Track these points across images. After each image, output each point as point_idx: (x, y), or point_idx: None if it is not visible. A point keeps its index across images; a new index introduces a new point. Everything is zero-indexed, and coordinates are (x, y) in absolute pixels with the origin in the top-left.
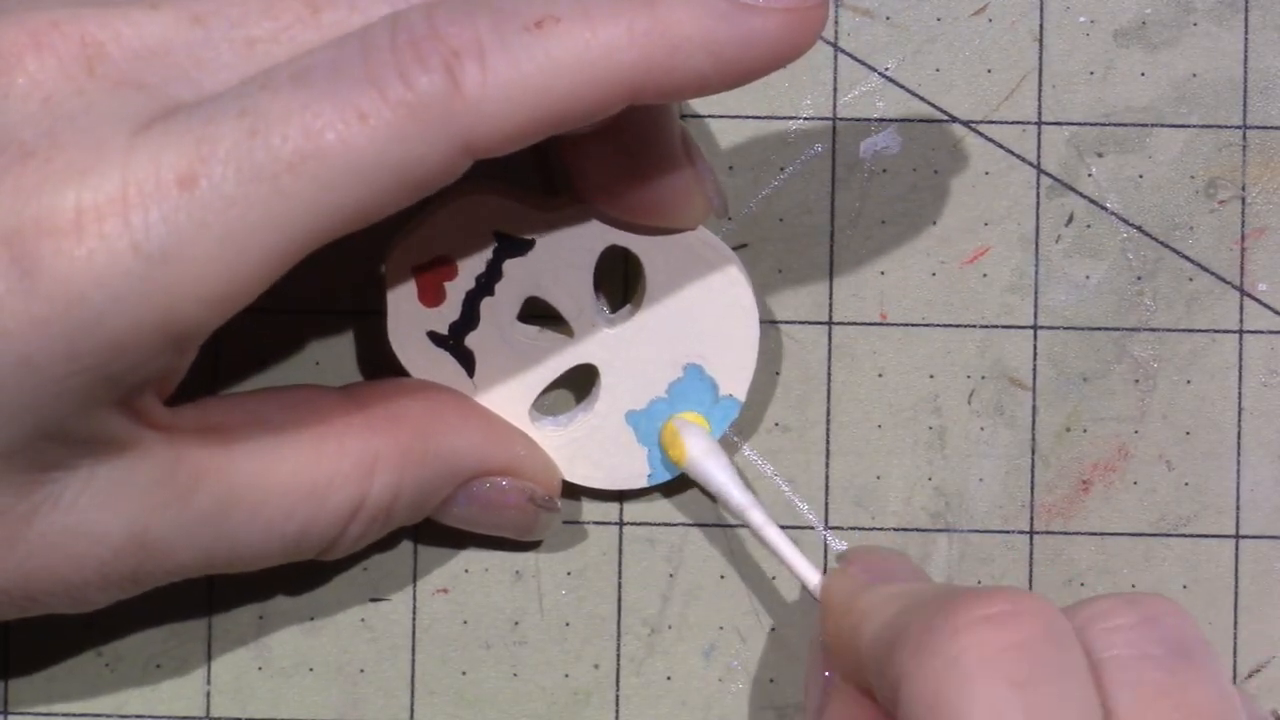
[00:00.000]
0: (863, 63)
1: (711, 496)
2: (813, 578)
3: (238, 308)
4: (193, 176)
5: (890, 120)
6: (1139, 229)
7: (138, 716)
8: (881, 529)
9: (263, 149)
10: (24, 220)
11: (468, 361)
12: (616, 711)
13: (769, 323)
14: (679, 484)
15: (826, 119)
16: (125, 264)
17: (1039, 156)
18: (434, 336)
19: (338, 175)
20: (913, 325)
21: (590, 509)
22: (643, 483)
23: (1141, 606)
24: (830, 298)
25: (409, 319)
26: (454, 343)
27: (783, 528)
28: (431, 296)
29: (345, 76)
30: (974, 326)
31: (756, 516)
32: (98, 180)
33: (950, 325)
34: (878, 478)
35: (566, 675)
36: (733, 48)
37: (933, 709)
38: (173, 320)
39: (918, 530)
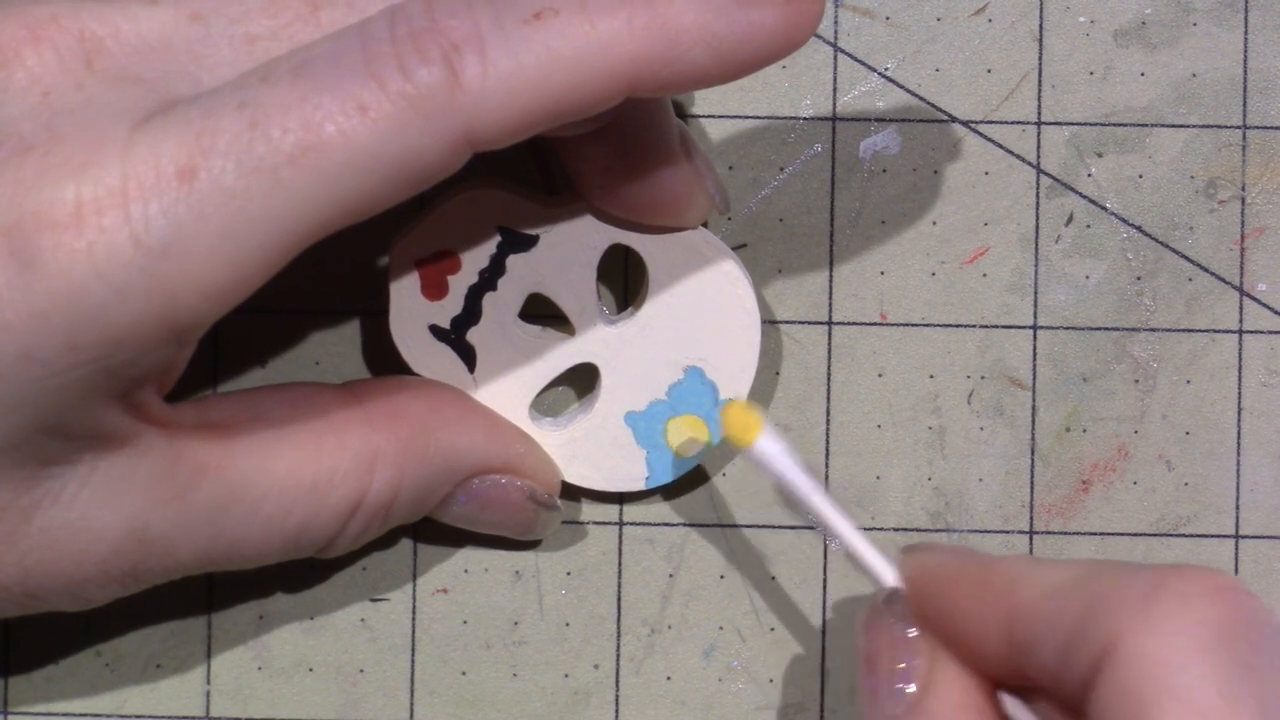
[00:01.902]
0: (863, 63)
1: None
2: (885, 571)
3: (238, 300)
4: (192, 169)
5: (890, 120)
6: (1139, 229)
7: (137, 716)
8: (881, 529)
9: (262, 141)
10: (24, 214)
11: (468, 356)
12: (616, 711)
13: (769, 323)
14: (678, 485)
15: (826, 119)
16: (125, 257)
17: (1039, 156)
18: (435, 330)
19: (338, 167)
20: (913, 325)
21: (590, 509)
22: (640, 485)
23: None
24: (830, 298)
25: (411, 312)
26: (455, 337)
27: (782, 528)
28: (434, 290)
29: (345, 69)
30: (974, 326)
31: (825, 507)
32: (97, 173)
33: (950, 325)
34: (878, 478)
35: (566, 675)
36: (731, 41)
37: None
38: (173, 313)
39: (918, 530)
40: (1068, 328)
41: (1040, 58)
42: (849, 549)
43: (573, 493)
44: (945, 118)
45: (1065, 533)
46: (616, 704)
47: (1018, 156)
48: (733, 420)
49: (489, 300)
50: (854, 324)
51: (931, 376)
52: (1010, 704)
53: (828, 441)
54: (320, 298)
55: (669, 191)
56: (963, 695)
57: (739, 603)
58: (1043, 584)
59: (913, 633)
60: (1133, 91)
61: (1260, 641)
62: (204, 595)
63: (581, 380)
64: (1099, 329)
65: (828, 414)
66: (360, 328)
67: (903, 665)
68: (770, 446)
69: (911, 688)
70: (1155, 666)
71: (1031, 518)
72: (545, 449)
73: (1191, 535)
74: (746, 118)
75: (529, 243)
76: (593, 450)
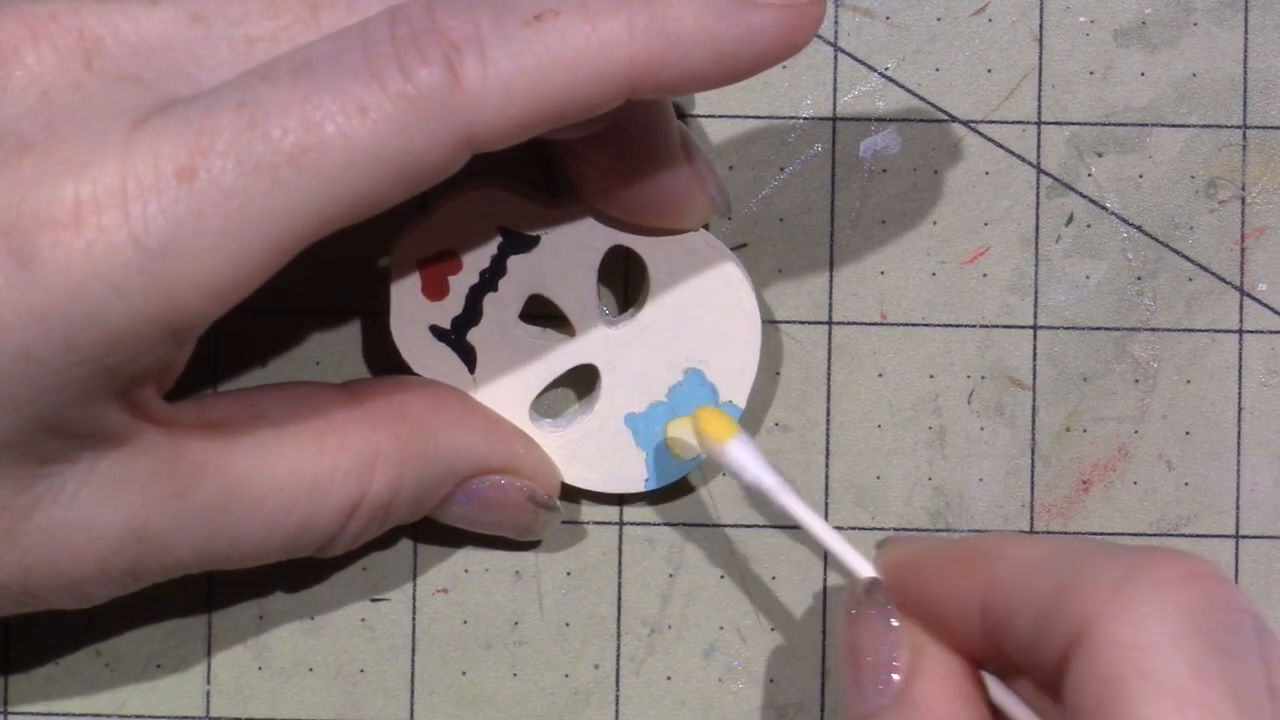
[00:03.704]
0: (863, 63)
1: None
2: (863, 564)
3: (237, 299)
4: (191, 168)
5: (890, 120)
6: (1139, 229)
7: (137, 716)
8: (881, 529)
9: (262, 141)
10: (23, 213)
11: (469, 357)
12: (616, 711)
13: (769, 322)
14: (678, 486)
15: (826, 119)
16: (124, 256)
17: (1039, 156)
18: (436, 330)
19: (337, 168)
20: (913, 325)
21: (590, 509)
22: (639, 487)
23: None
24: (830, 298)
25: (412, 312)
26: (456, 337)
27: (782, 528)
28: (435, 290)
29: (345, 69)
30: (974, 326)
31: (799, 508)
32: (96, 172)
33: (950, 325)
34: (878, 478)
35: (566, 675)
36: (731, 43)
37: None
38: (172, 312)
39: (918, 530)
40: (1068, 328)
41: (1040, 58)
42: (826, 546)
43: (572, 493)
44: (945, 118)
45: (1065, 533)
46: (616, 704)
47: (1018, 156)
48: (706, 423)
49: (490, 301)
50: (854, 324)
51: (931, 376)
52: (993, 684)
53: (828, 441)
54: (320, 298)
55: (669, 194)
56: (948, 681)
57: (739, 603)
58: (1017, 559)
59: (894, 622)
60: (1133, 91)
61: (1232, 625)
62: (204, 595)
63: (581, 381)
64: (1099, 329)
65: (828, 414)
66: (360, 328)
67: (886, 656)
68: (742, 449)
69: (896, 678)
70: (1128, 649)
71: (1032, 518)
72: (545, 450)
73: (1191, 535)
74: (746, 118)
75: (530, 244)
76: (592, 451)
